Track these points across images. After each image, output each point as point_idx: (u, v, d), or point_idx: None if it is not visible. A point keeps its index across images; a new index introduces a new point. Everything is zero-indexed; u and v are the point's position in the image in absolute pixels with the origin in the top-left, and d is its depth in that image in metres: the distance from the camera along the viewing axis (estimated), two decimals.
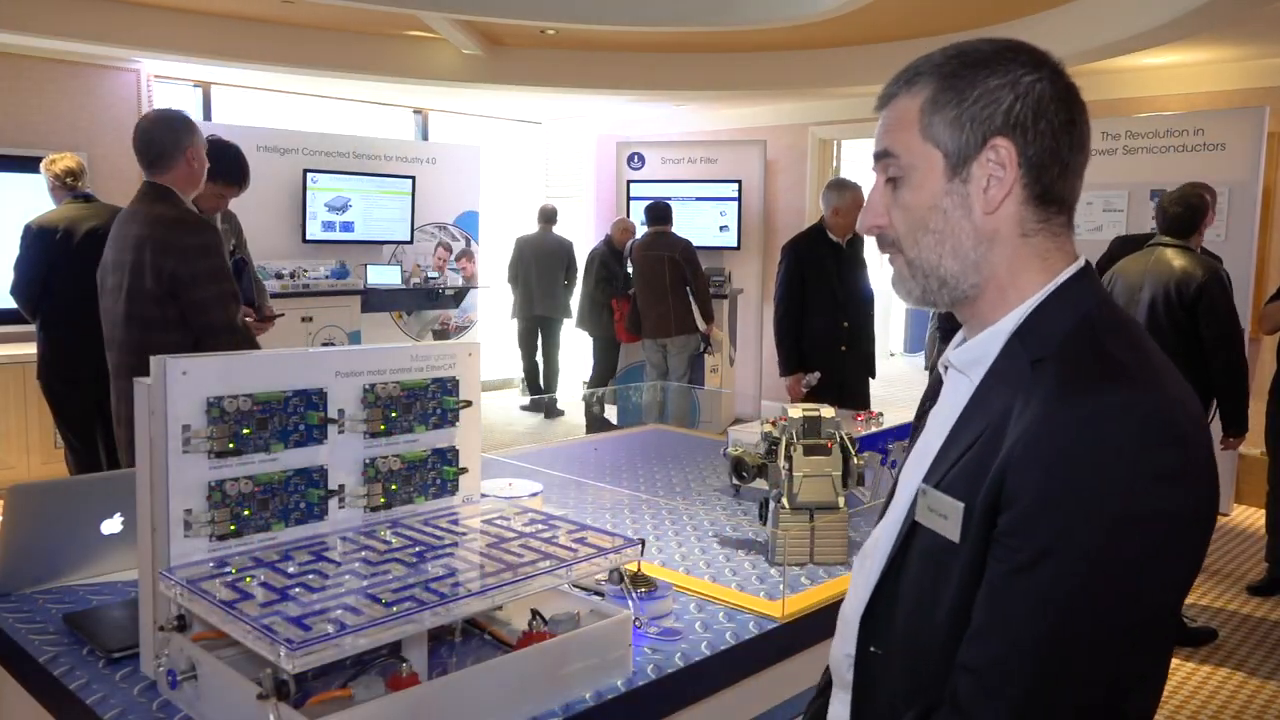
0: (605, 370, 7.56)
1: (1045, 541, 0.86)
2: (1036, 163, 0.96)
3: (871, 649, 1.05)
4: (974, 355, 1.01)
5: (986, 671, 0.88)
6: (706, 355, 6.98)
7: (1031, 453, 0.87)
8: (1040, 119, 0.95)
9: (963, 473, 0.95)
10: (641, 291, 6.61)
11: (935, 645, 0.94)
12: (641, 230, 6.89)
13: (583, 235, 9.42)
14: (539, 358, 8.19)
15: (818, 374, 4.64)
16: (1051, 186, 0.97)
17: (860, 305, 4.74)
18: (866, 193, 1.09)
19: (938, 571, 0.95)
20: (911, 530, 1.00)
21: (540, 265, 7.90)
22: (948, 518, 0.94)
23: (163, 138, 2.88)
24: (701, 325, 6.57)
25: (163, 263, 2.81)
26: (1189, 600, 4.25)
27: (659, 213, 6.58)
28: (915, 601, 0.98)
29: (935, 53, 0.99)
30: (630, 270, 6.91)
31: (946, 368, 1.07)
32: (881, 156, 1.03)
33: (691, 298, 6.50)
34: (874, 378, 4.86)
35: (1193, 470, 0.87)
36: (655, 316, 6.53)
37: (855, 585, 1.11)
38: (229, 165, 3.50)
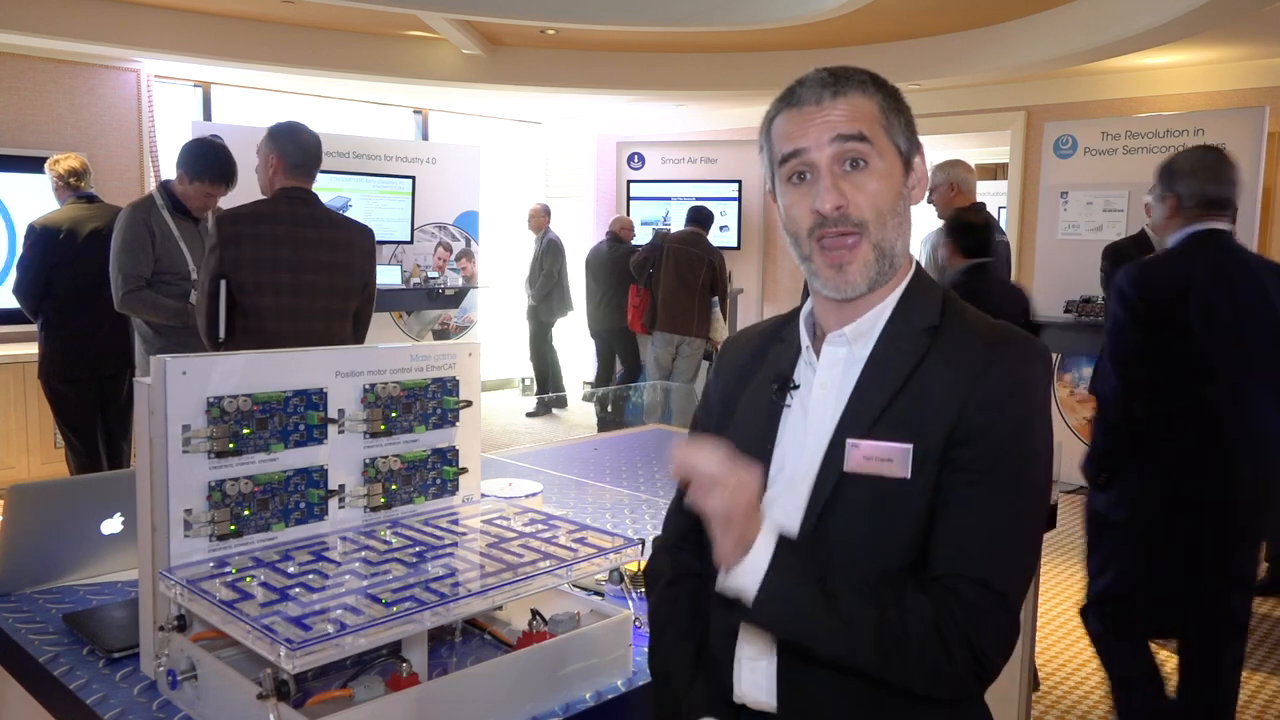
0: (636, 366, 7.50)
1: (1020, 462, 1.08)
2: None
3: (891, 591, 1.06)
4: (863, 329, 1.16)
5: (990, 577, 1.04)
6: (706, 361, 6.98)
7: (994, 394, 1.07)
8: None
9: (898, 420, 1.09)
10: (670, 285, 6.48)
11: (890, 570, 1.07)
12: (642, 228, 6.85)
13: (583, 235, 9.43)
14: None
15: None
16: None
17: None
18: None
19: (883, 509, 1.08)
20: (839, 483, 1.09)
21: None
22: (893, 460, 1.08)
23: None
24: (717, 334, 6.54)
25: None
26: None
27: (703, 216, 6.57)
28: (854, 545, 1.08)
29: (850, 67, 1.17)
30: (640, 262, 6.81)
31: (814, 349, 1.19)
32: (853, 138, 1.11)
33: (717, 307, 6.50)
34: None
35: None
36: (679, 311, 6.45)
37: (768, 537, 1.07)
38: (213, 163, 3.49)
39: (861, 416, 1.11)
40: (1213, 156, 2.66)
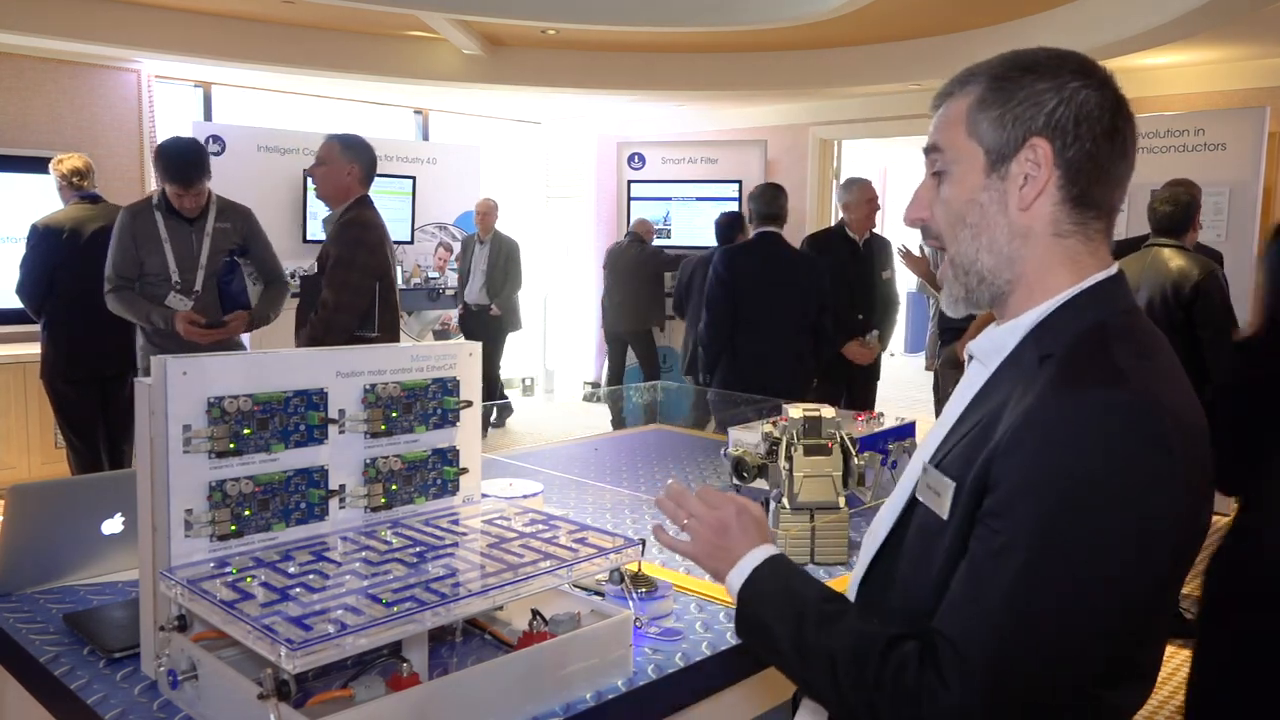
0: (655, 368, 7.46)
1: (1021, 525, 0.90)
2: (1075, 165, 0.99)
3: (888, 628, 1.07)
4: (993, 345, 1.05)
5: (959, 642, 0.92)
6: None
7: (1017, 439, 0.92)
8: (1081, 124, 0.98)
9: (959, 454, 0.99)
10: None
11: (923, 615, 0.98)
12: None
13: (583, 235, 9.43)
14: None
15: (876, 331, 4.70)
16: (1089, 190, 1.00)
17: (876, 301, 4.77)
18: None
19: (927, 546, 1.00)
20: (911, 506, 1.05)
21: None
22: (941, 495, 0.99)
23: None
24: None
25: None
26: (1184, 591, 4.26)
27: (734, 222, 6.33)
28: (908, 575, 1.02)
29: (993, 58, 1.04)
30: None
31: (970, 357, 1.10)
32: (930, 151, 1.07)
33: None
34: (878, 379, 4.92)
35: (1172, 476, 0.90)
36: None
37: (860, 559, 1.15)
38: (168, 166, 3.54)
39: (947, 443, 1.04)
40: (770, 189, 4.39)
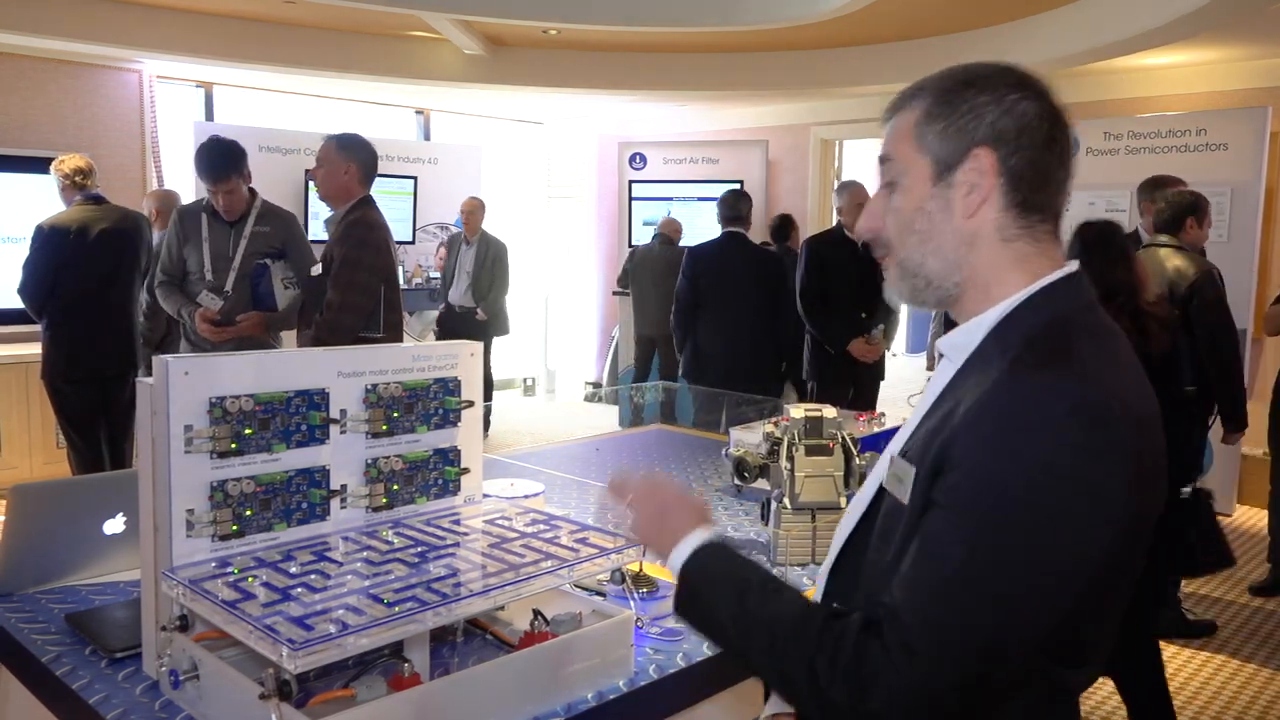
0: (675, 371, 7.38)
1: (967, 500, 0.94)
2: (1017, 173, 1.04)
3: (834, 605, 1.12)
4: (958, 341, 1.09)
5: (902, 610, 0.94)
6: None
7: (968, 420, 0.96)
8: (1022, 134, 1.03)
9: (920, 442, 1.04)
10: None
11: (882, 599, 1.00)
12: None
13: (585, 235, 9.43)
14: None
15: (881, 325, 4.73)
16: (1032, 196, 1.05)
17: (878, 301, 4.78)
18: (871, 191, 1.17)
19: (888, 531, 1.04)
20: (879, 494, 1.09)
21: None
22: (903, 482, 1.03)
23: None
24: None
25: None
26: (1188, 591, 4.26)
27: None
28: (872, 560, 1.07)
29: (938, 72, 1.09)
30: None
31: (940, 355, 1.15)
32: (882, 161, 1.12)
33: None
34: (882, 379, 4.93)
35: (1116, 453, 0.93)
36: None
37: (830, 550, 1.20)
38: (200, 164, 3.66)
39: (914, 434, 1.08)
40: (734, 195, 5.00)
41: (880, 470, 1.12)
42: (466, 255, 7.12)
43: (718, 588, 1.08)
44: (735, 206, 4.91)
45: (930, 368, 6.60)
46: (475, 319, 7.04)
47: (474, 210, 7.12)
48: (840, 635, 0.96)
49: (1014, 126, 1.03)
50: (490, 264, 7.08)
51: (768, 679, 1.07)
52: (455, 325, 7.09)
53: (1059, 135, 1.06)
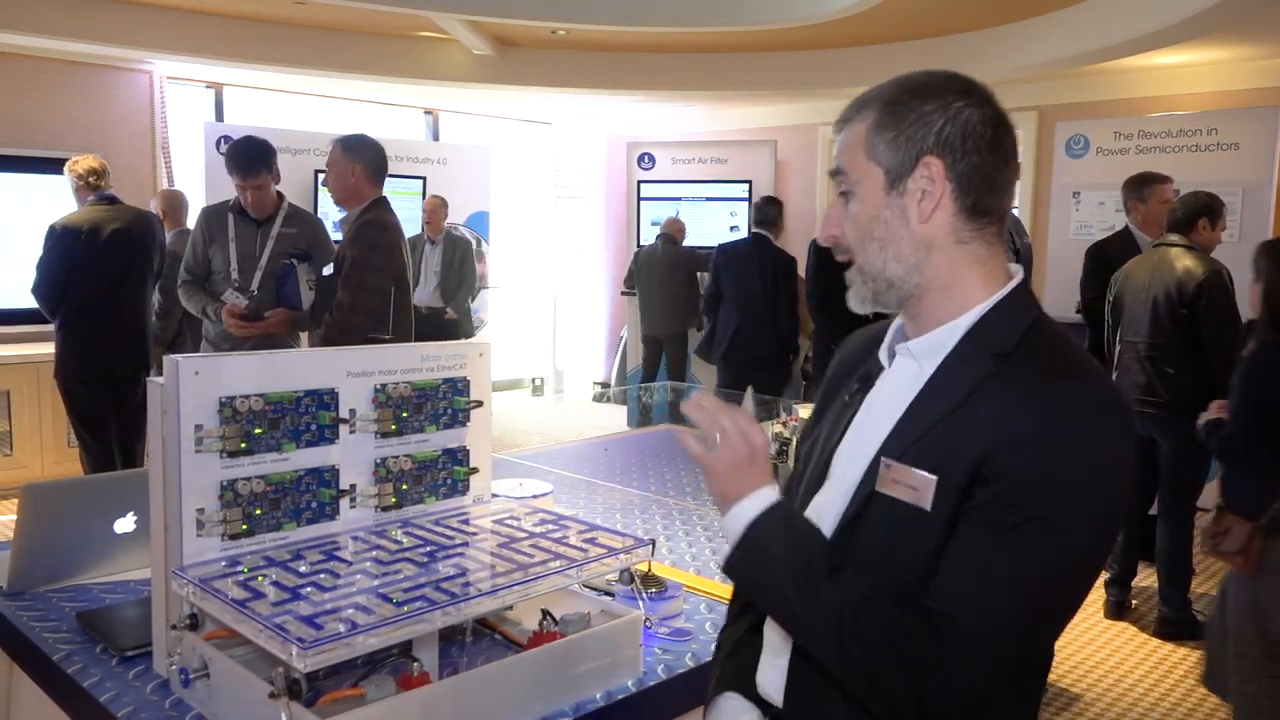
0: (685, 371, 7.37)
1: (1038, 510, 0.98)
2: (965, 178, 1.08)
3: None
4: (931, 346, 1.12)
5: (971, 624, 0.98)
6: None
7: (1021, 431, 1.00)
8: (968, 140, 1.07)
9: (930, 449, 1.05)
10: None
11: (904, 597, 1.04)
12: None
13: (593, 235, 9.43)
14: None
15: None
16: (980, 199, 1.10)
17: None
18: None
19: (905, 537, 1.05)
20: (869, 499, 1.09)
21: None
22: (919, 489, 1.04)
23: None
24: None
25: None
26: (1198, 592, 4.25)
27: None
28: (873, 564, 1.06)
29: (884, 83, 1.13)
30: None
31: (893, 355, 1.17)
32: (835, 174, 1.15)
33: None
34: None
35: (1133, 440, 1.06)
36: None
37: None
38: (229, 158, 3.70)
39: (903, 437, 1.08)
40: (766, 201, 5.69)
41: (854, 472, 1.11)
42: (432, 255, 6.88)
43: (784, 551, 1.07)
44: (764, 211, 5.73)
45: None
46: (444, 319, 6.80)
47: (436, 209, 6.92)
48: (907, 630, 1.00)
49: (960, 133, 1.07)
50: (458, 263, 6.91)
51: (822, 655, 1.06)
52: (422, 327, 6.83)
53: (1003, 138, 1.10)
